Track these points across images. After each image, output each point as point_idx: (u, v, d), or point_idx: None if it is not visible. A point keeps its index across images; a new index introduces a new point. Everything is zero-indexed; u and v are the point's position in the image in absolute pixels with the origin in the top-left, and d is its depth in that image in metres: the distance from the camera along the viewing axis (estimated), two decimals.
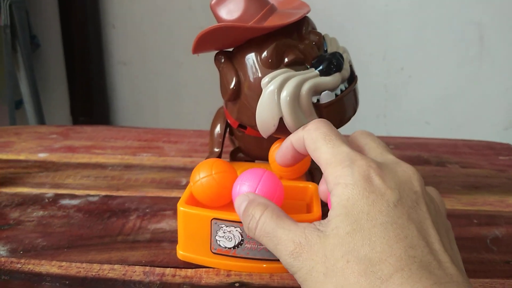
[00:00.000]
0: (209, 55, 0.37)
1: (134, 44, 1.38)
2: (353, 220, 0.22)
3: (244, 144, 0.42)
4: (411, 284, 0.20)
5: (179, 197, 0.33)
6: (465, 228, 0.39)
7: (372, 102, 1.27)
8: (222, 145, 0.41)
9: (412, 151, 0.58)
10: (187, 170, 0.49)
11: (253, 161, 0.43)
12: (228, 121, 0.40)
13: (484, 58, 1.21)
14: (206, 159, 0.40)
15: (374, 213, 0.22)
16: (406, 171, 0.25)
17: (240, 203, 0.28)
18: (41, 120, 1.26)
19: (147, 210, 0.41)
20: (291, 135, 0.29)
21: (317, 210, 0.32)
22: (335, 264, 0.21)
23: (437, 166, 0.53)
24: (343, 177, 0.24)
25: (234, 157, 0.44)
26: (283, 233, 0.24)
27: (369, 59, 1.24)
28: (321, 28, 0.37)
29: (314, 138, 0.26)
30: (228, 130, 0.42)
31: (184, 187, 0.46)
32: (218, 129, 0.42)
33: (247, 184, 0.30)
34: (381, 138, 0.64)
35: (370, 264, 0.21)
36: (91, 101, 1.41)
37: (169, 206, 0.41)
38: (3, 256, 0.33)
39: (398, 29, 1.23)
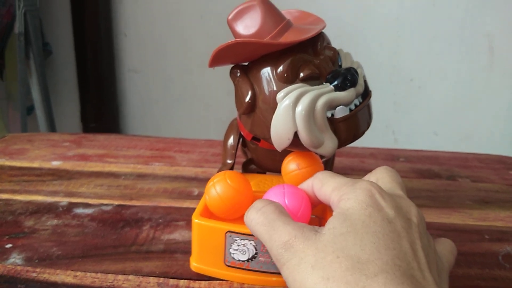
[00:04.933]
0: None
1: (145, 53, 1.39)
2: (349, 224, 0.24)
3: (257, 156, 0.42)
4: (394, 285, 0.21)
5: (191, 208, 0.34)
6: (477, 244, 0.39)
7: (381, 112, 1.27)
8: (235, 157, 0.42)
9: (422, 164, 0.58)
10: (199, 180, 0.50)
11: (264, 173, 0.44)
12: (242, 133, 0.41)
13: (493, 70, 1.21)
14: (219, 170, 0.40)
15: (369, 222, 0.24)
16: (407, 203, 0.27)
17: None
18: (51, 126, 1.27)
19: (160, 220, 0.41)
20: (301, 185, 0.32)
21: None
22: (325, 257, 0.23)
23: (448, 180, 0.53)
24: (346, 194, 0.26)
25: (246, 168, 0.44)
26: (281, 225, 0.25)
27: (378, 69, 1.25)
28: (330, 39, 0.37)
29: (321, 178, 0.29)
30: (241, 141, 0.43)
31: (196, 197, 0.46)
32: (231, 140, 0.42)
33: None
34: (390, 150, 0.64)
35: (358, 262, 0.22)
36: (101, 108, 1.42)
37: (182, 217, 0.42)
38: (18, 265, 0.34)
39: (408, 40, 1.23)
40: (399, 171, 0.54)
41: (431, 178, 0.53)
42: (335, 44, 0.37)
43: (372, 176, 0.30)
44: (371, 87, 0.37)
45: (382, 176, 0.30)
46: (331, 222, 0.25)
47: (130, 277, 0.33)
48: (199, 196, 0.46)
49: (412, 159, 0.60)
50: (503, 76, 1.21)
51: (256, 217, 0.27)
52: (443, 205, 0.46)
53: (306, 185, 0.31)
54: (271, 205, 0.27)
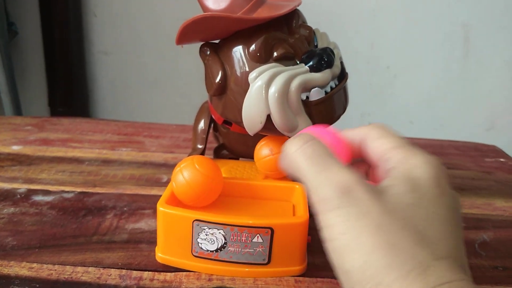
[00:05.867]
0: (194, 46, 0.35)
1: (116, 34, 1.34)
2: (418, 196, 0.21)
3: (229, 141, 0.40)
4: (456, 273, 0.19)
5: (160, 195, 0.32)
6: None
7: (357, 100, 1.26)
8: (205, 142, 0.40)
9: None
10: (168, 167, 0.48)
11: (237, 158, 0.42)
12: (213, 116, 0.39)
13: (468, 59, 1.21)
14: (188, 155, 0.38)
15: (439, 202, 0.22)
16: (456, 194, 0.24)
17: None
18: (17, 110, 1.22)
19: (125, 209, 0.39)
20: (351, 131, 0.27)
21: (304, 212, 0.30)
22: (393, 223, 0.20)
23: None
24: (415, 159, 0.23)
25: (218, 154, 0.42)
26: (335, 164, 0.22)
27: (355, 56, 1.24)
28: (307, 23, 0.35)
29: (380, 130, 0.25)
30: (212, 126, 0.41)
31: (164, 184, 0.44)
32: (202, 124, 0.40)
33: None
34: None
35: (425, 240, 0.20)
36: (70, 92, 1.37)
37: (149, 205, 0.39)
38: None
39: (385, 28, 1.23)
40: None
41: None
42: None
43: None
44: None
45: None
46: (396, 186, 0.22)
47: (90, 269, 0.30)
48: (168, 183, 0.44)
49: None
50: (478, 66, 1.21)
51: (303, 148, 0.23)
52: None
53: (356, 133, 0.26)
54: (321, 143, 0.24)
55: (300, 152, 0.23)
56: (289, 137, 0.33)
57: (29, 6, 1.30)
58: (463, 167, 0.53)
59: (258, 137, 0.35)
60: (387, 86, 1.28)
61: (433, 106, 1.27)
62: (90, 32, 1.36)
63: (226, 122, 0.37)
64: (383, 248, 0.19)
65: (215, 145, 0.42)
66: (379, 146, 0.24)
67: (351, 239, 0.20)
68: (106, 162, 0.48)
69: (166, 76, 1.37)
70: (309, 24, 0.36)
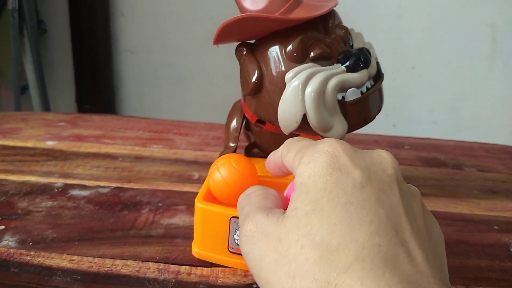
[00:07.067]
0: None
1: (142, 33, 1.36)
2: (313, 199, 0.20)
3: (261, 140, 0.41)
4: (372, 279, 0.17)
5: (192, 192, 0.32)
6: (486, 234, 0.38)
7: None
8: (237, 140, 0.40)
9: (428, 152, 0.57)
10: (199, 164, 0.48)
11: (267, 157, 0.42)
12: (246, 115, 0.39)
13: (495, 60, 1.19)
14: (221, 153, 0.39)
15: (336, 192, 0.19)
16: (380, 153, 0.22)
17: None
18: (46, 107, 1.25)
19: (160, 204, 0.39)
20: (273, 153, 0.28)
21: None
22: (288, 250, 0.19)
23: (454, 169, 0.52)
24: (306, 156, 0.22)
25: (249, 152, 0.43)
26: (253, 211, 0.23)
27: (380, 56, 1.23)
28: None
29: (289, 143, 0.26)
30: (243, 124, 0.41)
31: (196, 181, 0.44)
32: (234, 123, 0.41)
33: None
34: (394, 137, 0.63)
35: (326, 251, 0.18)
36: (97, 89, 1.40)
37: (182, 201, 0.40)
38: (12, 248, 0.32)
39: (411, 28, 1.22)
40: (405, 159, 0.53)
41: (437, 167, 0.52)
42: None
43: None
44: None
45: None
46: (293, 202, 0.21)
47: (129, 262, 0.31)
48: (199, 180, 0.44)
49: (417, 147, 0.58)
50: (505, 67, 1.19)
51: (241, 202, 0.25)
52: (450, 194, 0.45)
53: (275, 156, 0.27)
54: (260, 191, 0.24)
55: (239, 208, 0.25)
56: (324, 137, 0.34)
57: (58, 4, 1.33)
58: (493, 169, 0.53)
59: (291, 136, 0.35)
60: (412, 86, 1.27)
61: (458, 107, 1.25)
62: (117, 30, 1.38)
63: (260, 121, 0.37)
64: (285, 282, 0.19)
65: (245, 143, 0.43)
66: (288, 161, 0.24)
67: (265, 283, 0.20)
68: (139, 158, 0.49)
69: (191, 74, 1.39)
70: None
